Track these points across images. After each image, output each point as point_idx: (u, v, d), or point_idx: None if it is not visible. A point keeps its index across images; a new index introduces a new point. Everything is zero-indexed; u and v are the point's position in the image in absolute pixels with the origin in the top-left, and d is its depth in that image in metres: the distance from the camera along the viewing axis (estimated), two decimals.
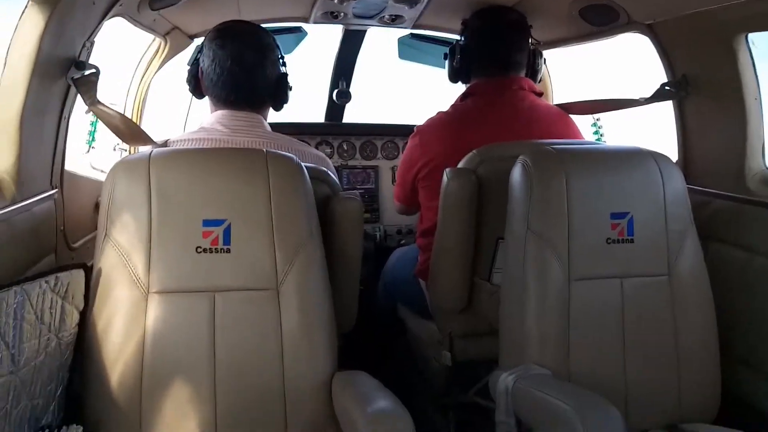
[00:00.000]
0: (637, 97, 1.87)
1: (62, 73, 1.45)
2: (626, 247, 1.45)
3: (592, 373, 1.41)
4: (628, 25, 1.86)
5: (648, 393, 1.44)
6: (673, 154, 1.85)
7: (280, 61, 1.72)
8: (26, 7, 1.26)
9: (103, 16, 1.51)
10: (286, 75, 1.74)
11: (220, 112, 1.66)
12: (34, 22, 1.27)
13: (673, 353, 1.45)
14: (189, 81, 1.75)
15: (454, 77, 2.12)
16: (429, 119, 2.02)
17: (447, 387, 2.01)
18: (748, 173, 1.62)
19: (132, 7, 1.64)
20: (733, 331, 1.55)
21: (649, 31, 1.81)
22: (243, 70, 1.62)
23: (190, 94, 1.81)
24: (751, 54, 1.59)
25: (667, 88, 1.79)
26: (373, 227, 2.79)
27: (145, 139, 1.65)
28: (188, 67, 1.77)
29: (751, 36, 1.57)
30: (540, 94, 2.04)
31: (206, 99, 1.76)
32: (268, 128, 1.70)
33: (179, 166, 1.36)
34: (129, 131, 1.63)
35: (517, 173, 1.49)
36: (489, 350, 1.67)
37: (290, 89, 1.77)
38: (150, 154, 1.36)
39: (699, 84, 1.74)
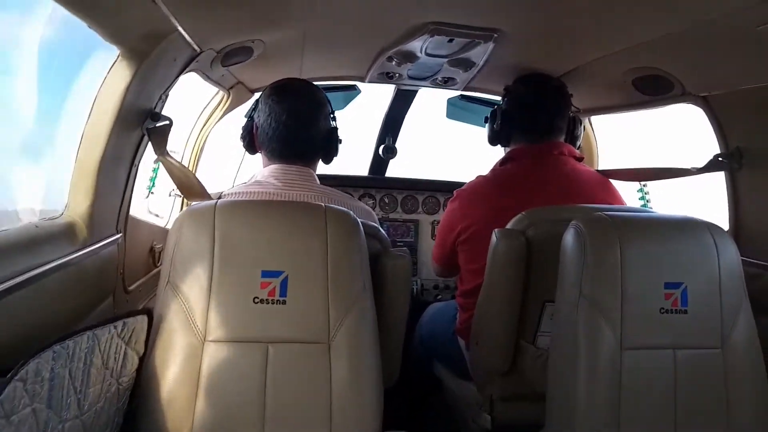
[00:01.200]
0: (687, 167, 1.88)
1: (139, 124, 1.54)
2: (680, 317, 1.43)
3: None
4: (682, 97, 1.88)
5: None
6: (722, 224, 1.83)
7: (331, 115, 1.79)
8: (115, 61, 1.35)
9: (181, 71, 1.61)
10: (336, 129, 1.80)
11: (273, 166, 1.71)
12: (122, 76, 1.36)
13: (726, 428, 1.41)
14: (244, 136, 1.82)
15: (493, 140, 2.16)
16: (469, 183, 2.04)
17: None
18: None
19: (206, 63, 1.74)
20: None
21: (704, 102, 1.83)
22: (297, 123, 1.69)
23: (243, 149, 1.88)
24: None
25: (720, 159, 1.80)
26: (410, 281, 2.80)
27: (202, 194, 1.71)
28: (243, 123, 1.84)
29: None
30: (581, 159, 2.06)
31: (258, 155, 1.83)
32: (318, 182, 1.76)
33: (243, 217, 1.40)
34: (188, 183, 1.70)
35: (570, 238, 1.49)
36: (531, 415, 1.64)
37: (340, 143, 1.82)
38: (216, 203, 1.41)
39: (752, 156, 1.74)
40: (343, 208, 1.48)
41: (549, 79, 2.07)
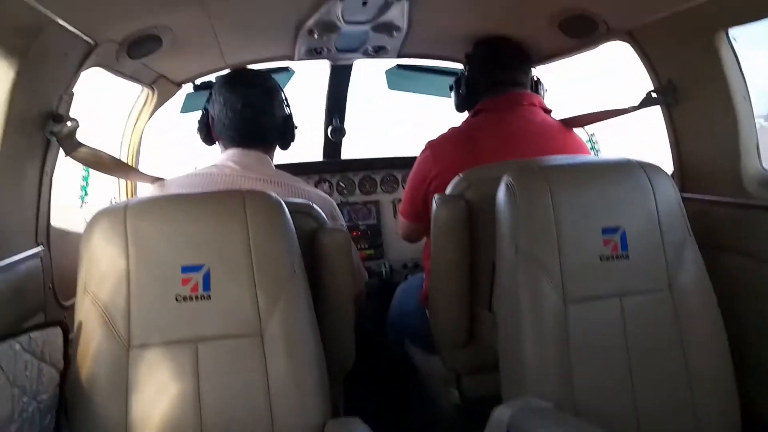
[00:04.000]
0: (624, 107, 1.83)
1: (40, 128, 1.45)
2: (621, 263, 1.39)
3: (598, 402, 1.33)
4: (608, 35, 1.83)
5: (662, 419, 1.36)
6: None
7: (285, 101, 1.80)
8: None
9: (79, 67, 1.51)
10: (291, 116, 1.82)
11: (231, 150, 1.72)
12: (4, 75, 1.27)
13: (684, 373, 1.37)
14: (200, 129, 1.83)
15: (461, 107, 2.14)
16: (440, 134, 2.00)
17: (456, 428, 1.93)
18: (745, 176, 1.56)
19: (109, 57, 1.65)
20: (745, 343, 1.46)
21: (630, 38, 1.78)
22: (253, 111, 1.71)
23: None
24: (734, 51, 1.53)
25: (654, 95, 1.75)
26: (378, 263, 2.75)
27: (138, 173, 1.69)
28: (198, 117, 1.85)
29: (732, 32, 1.51)
30: (549, 112, 2.03)
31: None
32: (273, 167, 1.76)
33: (156, 214, 1.34)
34: (117, 167, 1.67)
35: (501, 194, 1.45)
36: (499, 386, 1.60)
37: (296, 128, 1.84)
38: (126, 203, 1.35)
39: (686, 88, 1.69)
40: (265, 191, 1.42)
41: (507, 40, 2.06)
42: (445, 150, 1.92)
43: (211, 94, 1.79)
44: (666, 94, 1.72)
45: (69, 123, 1.50)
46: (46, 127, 1.46)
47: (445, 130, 2.00)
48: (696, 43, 1.58)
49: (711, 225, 1.61)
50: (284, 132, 1.80)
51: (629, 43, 1.79)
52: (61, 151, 1.55)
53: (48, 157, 1.52)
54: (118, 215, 1.32)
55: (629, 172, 1.45)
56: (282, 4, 1.71)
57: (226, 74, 1.77)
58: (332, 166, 2.92)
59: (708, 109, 1.64)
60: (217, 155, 1.79)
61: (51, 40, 1.32)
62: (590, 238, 1.39)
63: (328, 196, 1.81)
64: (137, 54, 1.73)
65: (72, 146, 1.54)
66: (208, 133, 1.80)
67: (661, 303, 1.40)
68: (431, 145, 1.97)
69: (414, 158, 2.01)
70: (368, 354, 1.67)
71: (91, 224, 1.34)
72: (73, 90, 1.54)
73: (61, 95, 1.49)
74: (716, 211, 1.63)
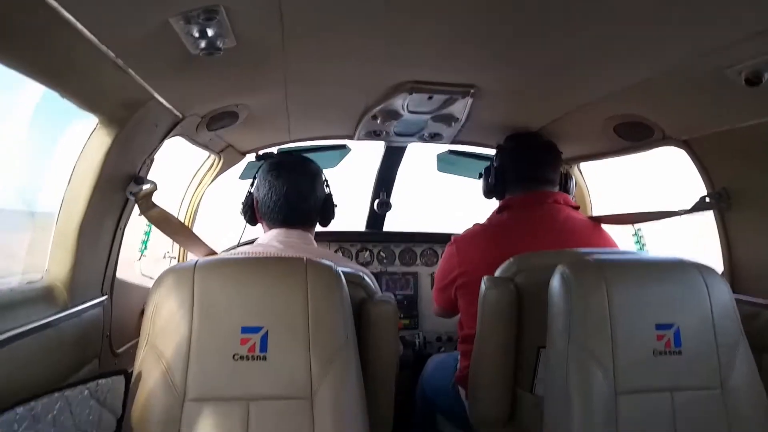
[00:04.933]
0: (676, 209, 1.87)
1: (122, 188, 1.57)
2: (675, 359, 1.39)
3: None
4: (664, 141, 1.89)
5: None
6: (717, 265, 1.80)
7: (325, 182, 1.89)
8: (95, 128, 1.39)
9: (164, 136, 1.65)
10: (331, 195, 1.90)
11: (275, 231, 1.80)
12: (101, 142, 1.40)
13: None
14: (245, 211, 1.91)
15: (488, 194, 2.20)
16: (466, 230, 2.06)
17: None
18: None
19: (191, 128, 1.79)
20: None
21: (686, 146, 1.84)
22: (297, 196, 1.79)
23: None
24: None
25: (707, 200, 1.79)
26: (412, 334, 2.76)
27: (195, 243, 1.79)
28: (243, 199, 1.93)
29: None
30: (576, 208, 2.07)
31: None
32: (315, 245, 1.84)
33: (222, 275, 1.40)
34: (181, 230, 1.78)
35: (556, 283, 1.47)
36: None
37: (336, 207, 1.92)
38: (196, 263, 1.41)
39: (740, 194, 1.73)
40: (324, 261, 1.48)
41: (539, 136, 2.13)
42: (469, 248, 1.98)
43: (255, 178, 1.88)
44: (720, 200, 1.76)
45: (147, 185, 1.62)
46: (128, 187, 1.58)
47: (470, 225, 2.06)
48: (753, 154, 1.63)
49: (762, 327, 1.60)
50: (325, 211, 1.88)
51: (684, 149, 1.84)
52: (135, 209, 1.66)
53: (124, 214, 1.63)
54: (187, 274, 1.39)
55: (685, 271, 1.47)
56: (355, 91, 1.83)
57: (272, 161, 1.88)
58: (375, 236, 3.01)
59: (763, 216, 1.67)
60: (260, 233, 1.88)
61: (148, 113, 1.46)
62: (644, 332, 1.39)
63: (364, 270, 1.84)
64: (215, 126, 1.87)
65: (147, 206, 1.65)
66: (252, 215, 1.89)
67: (712, 401, 1.38)
68: (456, 242, 2.04)
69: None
70: (399, 424, 1.66)
71: (160, 280, 1.40)
72: (155, 156, 1.66)
73: (145, 160, 1.62)
74: (767, 314, 1.62)
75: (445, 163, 2.83)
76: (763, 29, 1.12)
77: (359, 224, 3.11)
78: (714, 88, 1.42)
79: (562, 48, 1.36)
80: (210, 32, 1.12)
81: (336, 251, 2.85)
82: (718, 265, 1.81)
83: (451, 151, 2.73)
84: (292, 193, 1.79)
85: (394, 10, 1.17)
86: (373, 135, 2.37)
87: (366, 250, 2.92)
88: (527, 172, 2.07)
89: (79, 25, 0.98)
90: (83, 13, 0.96)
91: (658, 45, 1.28)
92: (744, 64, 1.25)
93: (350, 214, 3.03)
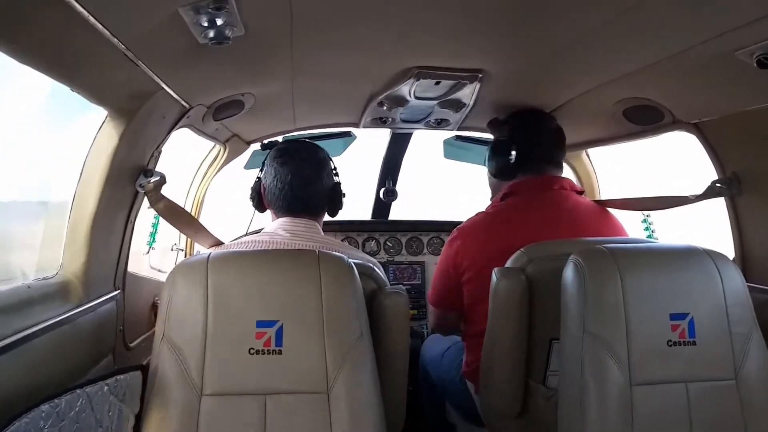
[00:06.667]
0: (686, 195, 1.86)
1: (132, 181, 1.56)
2: (689, 349, 1.39)
3: None
4: (674, 125, 1.87)
5: None
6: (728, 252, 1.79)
7: (334, 171, 1.85)
8: (104, 121, 1.38)
9: (172, 128, 1.63)
10: (339, 184, 1.86)
11: (281, 219, 1.76)
12: (111, 135, 1.39)
13: None
14: (253, 197, 1.89)
15: (500, 173, 2.10)
16: (468, 220, 2.02)
17: None
18: None
19: (197, 119, 1.77)
20: None
21: (696, 130, 1.82)
22: (302, 183, 1.75)
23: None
24: None
25: (717, 185, 1.78)
26: (419, 324, 2.76)
27: (202, 234, 1.78)
28: (252, 184, 1.91)
29: None
30: (581, 193, 2.05)
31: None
32: (322, 234, 1.80)
33: (235, 268, 1.40)
34: (189, 223, 1.77)
35: (569, 273, 1.47)
36: None
37: (344, 196, 1.88)
38: (209, 256, 1.41)
39: (751, 180, 1.72)
40: (337, 253, 1.47)
41: (548, 119, 2.09)
42: (475, 240, 1.93)
43: (263, 164, 1.85)
44: (731, 186, 1.75)
45: (156, 177, 1.61)
46: (137, 180, 1.57)
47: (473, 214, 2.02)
48: (765, 138, 1.62)
49: None
50: (332, 200, 1.84)
51: (694, 134, 1.83)
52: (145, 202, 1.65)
53: (134, 207, 1.62)
54: (200, 267, 1.38)
55: (696, 258, 1.46)
56: (362, 78, 1.81)
57: (278, 147, 1.84)
58: (381, 225, 2.99)
59: None
60: (267, 221, 1.86)
61: (156, 104, 1.45)
62: (658, 322, 1.39)
63: (376, 262, 1.82)
64: (221, 116, 1.85)
65: (156, 198, 1.64)
66: (260, 201, 1.86)
67: (727, 391, 1.38)
68: (461, 232, 1.98)
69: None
70: (410, 415, 1.67)
71: (174, 274, 1.39)
72: (162, 148, 1.65)
73: (153, 152, 1.61)
74: None
75: (453, 149, 2.81)
76: None
77: (364, 213, 3.10)
78: (725, 71, 1.40)
79: (572, 31, 1.34)
80: (219, 21, 1.11)
81: (342, 241, 2.85)
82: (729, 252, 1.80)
83: (458, 137, 2.71)
84: (296, 179, 1.75)
85: None
86: (379, 122, 2.35)
87: (372, 240, 2.91)
88: (539, 152, 2.03)
89: (91, 18, 0.97)
90: (94, 5, 0.95)
91: (668, 27, 1.27)
92: (756, 46, 1.23)
93: (355, 204, 3.03)
